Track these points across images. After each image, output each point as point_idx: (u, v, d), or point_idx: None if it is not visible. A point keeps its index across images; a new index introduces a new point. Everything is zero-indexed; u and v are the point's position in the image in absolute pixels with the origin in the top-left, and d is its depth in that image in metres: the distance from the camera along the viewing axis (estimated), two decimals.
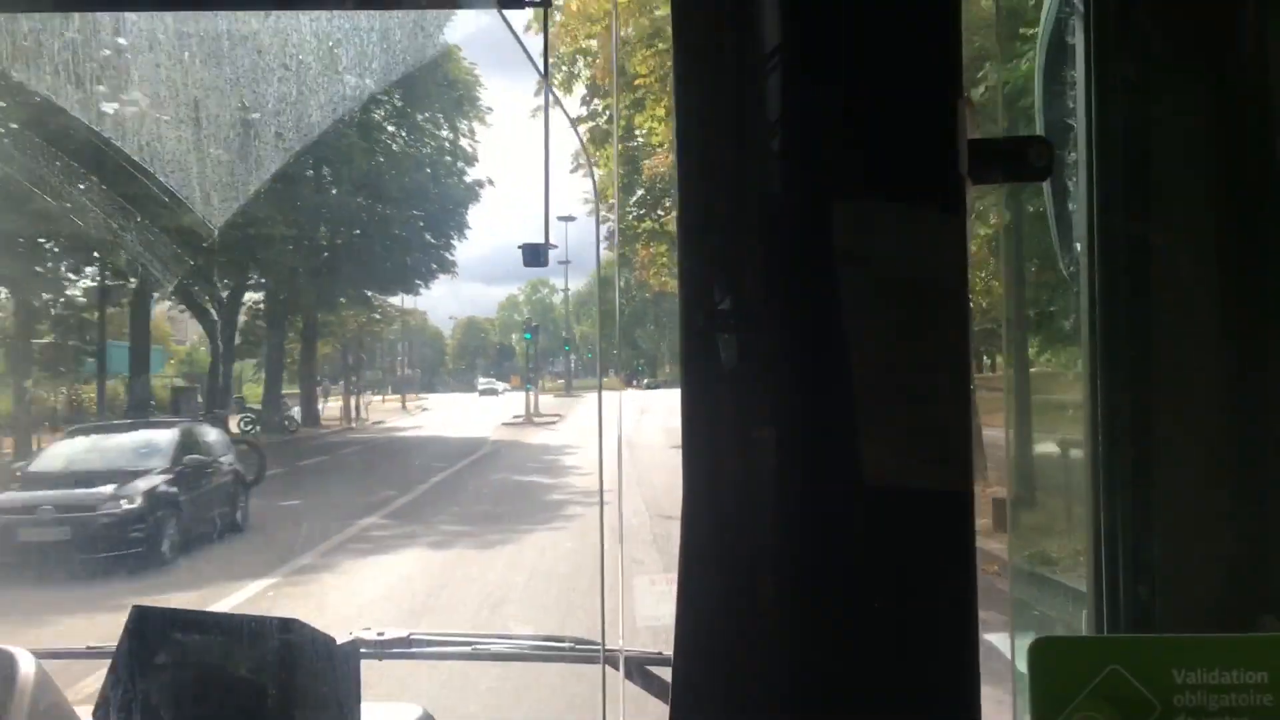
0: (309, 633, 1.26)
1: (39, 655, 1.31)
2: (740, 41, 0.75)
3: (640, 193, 19.07)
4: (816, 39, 0.74)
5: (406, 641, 1.65)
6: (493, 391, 42.20)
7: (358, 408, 31.12)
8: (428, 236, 28.13)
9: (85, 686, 1.38)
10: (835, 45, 0.74)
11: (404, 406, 37.94)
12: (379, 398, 39.68)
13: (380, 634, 1.65)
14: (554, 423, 28.15)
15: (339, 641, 1.33)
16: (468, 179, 27.92)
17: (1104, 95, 1.01)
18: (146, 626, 1.33)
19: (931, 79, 0.73)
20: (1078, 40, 1.04)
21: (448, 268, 29.80)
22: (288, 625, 1.25)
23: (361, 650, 1.42)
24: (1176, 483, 1.01)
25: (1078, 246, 1.06)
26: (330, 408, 31.28)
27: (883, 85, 0.73)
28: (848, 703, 0.73)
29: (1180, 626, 0.97)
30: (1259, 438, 1.01)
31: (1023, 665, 0.76)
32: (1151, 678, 0.72)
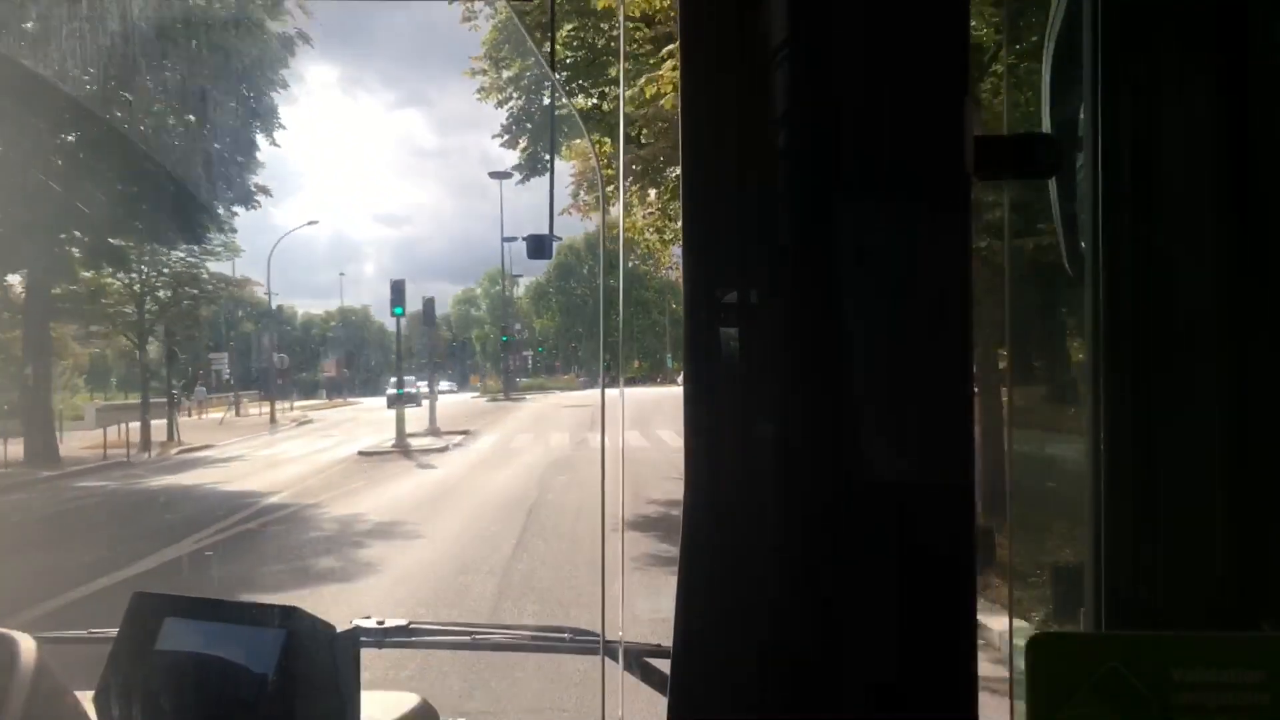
0: (309, 620, 1.27)
1: (39, 639, 1.32)
2: (746, 38, 0.75)
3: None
4: (822, 35, 0.74)
5: (406, 630, 1.66)
6: (409, 399, 29.84)
7: (170, 427, 21.11)
8: (214, 145, 16.78)
9: (86, 671, 1.38)
10: (841, 42, 0.74)
11: (273, 420, 28.19)
12: (257, 409, 30.72)
13: (380, 622, 1.65)
14: (444, 450, 19.04)
15: (339, 629, 1.34)
16: (267, 38, 15.57)
17: (1111, 93, 1.01)
18: (147, 612, 1.34)
19: (938, 75, 0.73)
20: (1086, 38, 1.03)
21: (248, 199, 18.61)
22: (289, 612, 1.26)
23: (361, 638, 1.42)
24: (1178, 482, 1.01)
25: (1083, 245, 1.06)
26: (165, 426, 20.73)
27: (889, 82, 0.73)
28: (846, 697, 0.73)
29: (1179, 625, 0.97)
30: (1261, 438, 1.01)
31: (1021, 661, 0.76)
32: (1150, 676, 0.73)
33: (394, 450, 18.95)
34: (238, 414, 30.78)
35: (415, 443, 19.75)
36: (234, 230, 20.87)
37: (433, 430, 22.10)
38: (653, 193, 13.49)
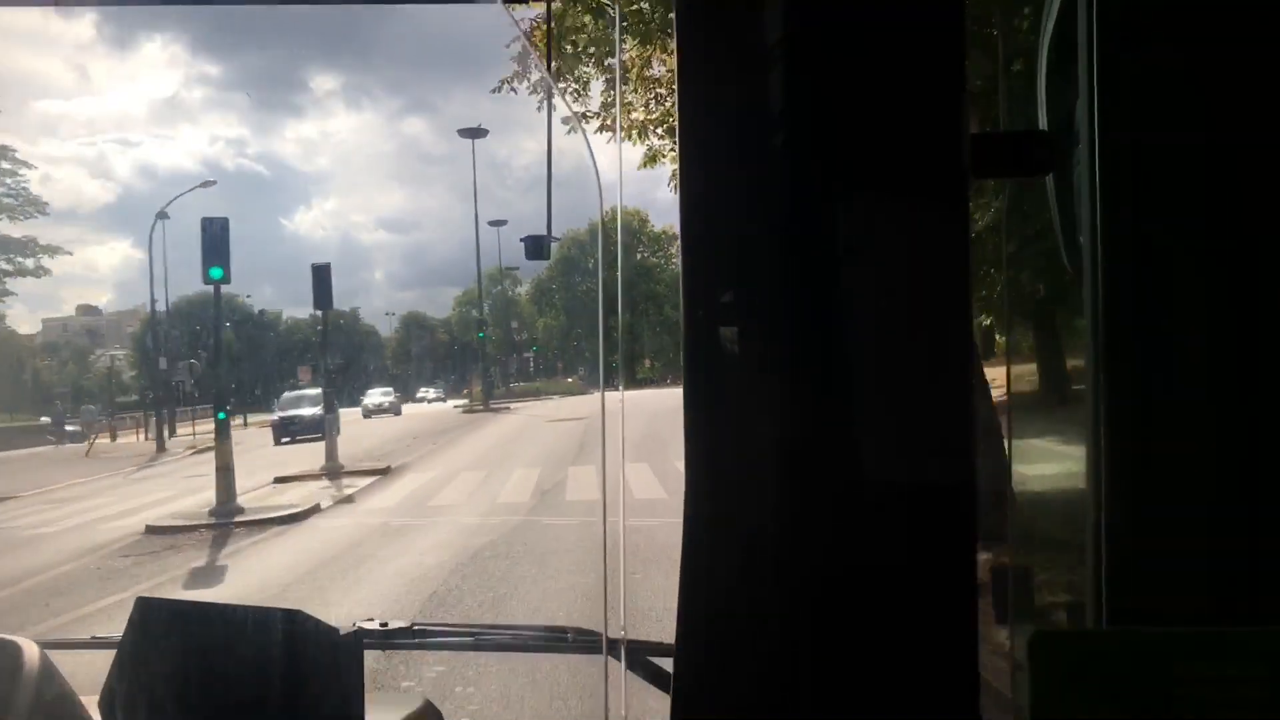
0: (312, 623, 1.27)
1: (44, 645, 1.32)
2: (744, 36, 0.75)
3: None
4: (820, 33, 0.74)
5: (409, 632, 1.66)
6: (306, 427, 19.64)
7: None
8: None
9: (90, 677, 1.39)
10: (838, 40, 0.74)
11: (160, 448, 21.19)
12: (181, 430, 23.40)
13: (384, 624, 1.66)
14: (300, 518, 11.61)
15: (342, 632, 1.34)
16: None
17: (1108, 89, 1.01)
18: (151, 617, 1.34)
19: (935, 73, 0.73)
20: (1081, 33, 1.03)
21: None
22: (292, 616, 1.26)
23: (365, 641, 1.42)
24: (1178, 478, 1.01)
25: (1081, 242, 1.06)
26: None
27: (886, 79, 0.74)
28: (847, 695, 0.73)
29: (1180, 621, 0.97)
30: (1261, 434, 1.01)
31: (1022, 658, 0.76)
32: (1151, 671, 0.73)
33: (205, 524, 11.30)
34: (146, 437, 24.37)
35: (275, 499, 12.71)
36: (29, 168, 14.77)
37: (330, 469, 14.49)
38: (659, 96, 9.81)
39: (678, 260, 0.78)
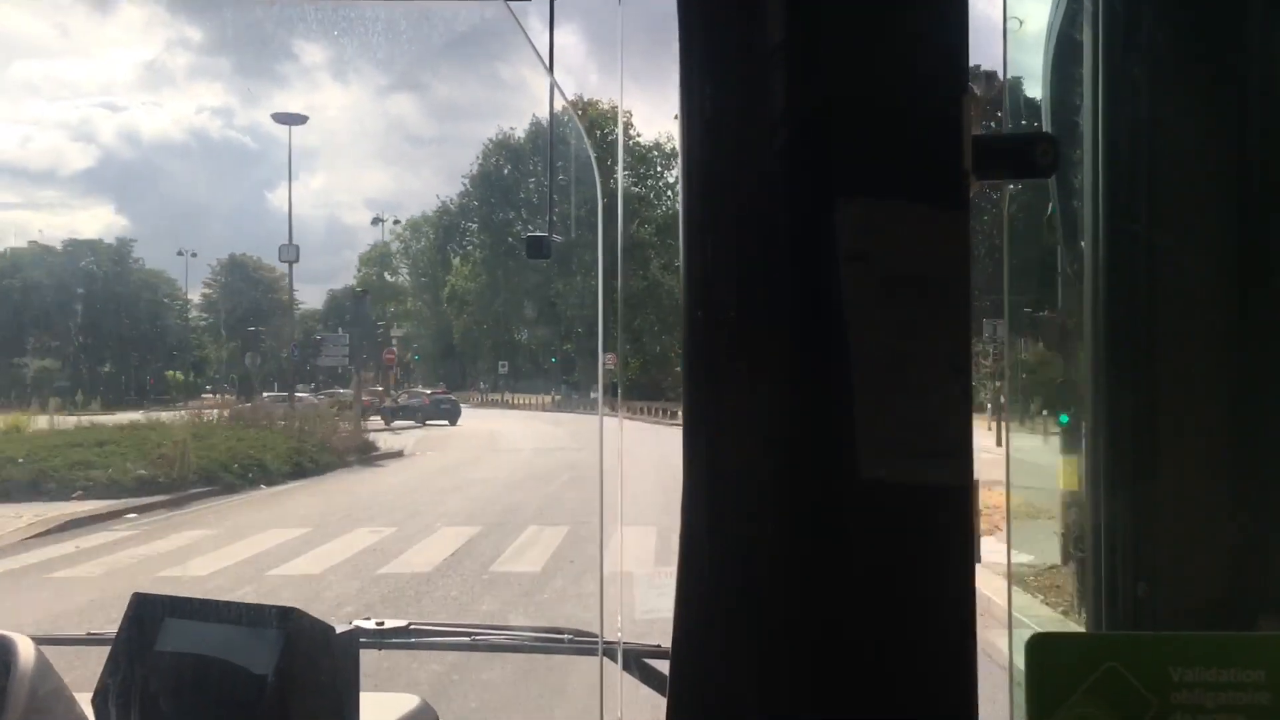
0: (308, 622, 1.27)
1: (38, 641, 1.32)
2: (744, 35, 0.75)
3: None
4: (821, 33, 0.74)
5: (406, 631, 1.66)
6: None
7: None
8: None
9: (84, 673, 1.38)
10: (839, 39, 0.74)
11: None
12: None
13: (380, 624, 1.65)
14: None
15: (338, 630, 1.34)
16: None
17: (1111, 92, 1.01)
18: (146, 613, 1.33)
19: (936, 73, 0.73)
20: (1085, 36, 1.03)
21: None
22: (287, 614, 1.25)
23: (360, 640, 1.42)
24: (1177, 481, 1.01)
25: (1082, 244, 1.06)
26: None
27: (887, 80, 0.73)
28: (845, 698, 0.73)
29: (1178, 624, 0.97)
30: (1260, 436, 1.01)
31: (1020, 662, 0.76)
32: (1149, 675, 0.72)
33: None
34: None
35: None
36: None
37: None
38: None
39: (669, 199, 0.76)
